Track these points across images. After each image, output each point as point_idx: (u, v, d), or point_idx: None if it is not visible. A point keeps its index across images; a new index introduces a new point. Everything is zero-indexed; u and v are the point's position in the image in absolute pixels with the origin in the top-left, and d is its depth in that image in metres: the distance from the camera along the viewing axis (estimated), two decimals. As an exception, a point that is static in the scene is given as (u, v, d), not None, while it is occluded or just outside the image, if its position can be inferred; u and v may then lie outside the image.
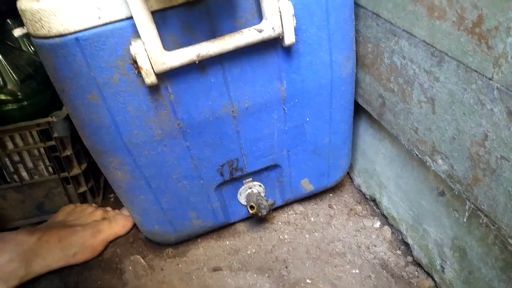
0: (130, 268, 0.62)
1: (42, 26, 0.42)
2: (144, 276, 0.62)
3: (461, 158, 0.43)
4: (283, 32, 0.47)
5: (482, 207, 0.42)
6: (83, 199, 0.71)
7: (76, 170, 0.68)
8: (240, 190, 0.65)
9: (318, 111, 0.59)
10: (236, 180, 0.63)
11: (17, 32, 0.66)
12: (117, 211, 0.70)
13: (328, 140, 0.64)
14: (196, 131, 0.54)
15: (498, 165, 0.38)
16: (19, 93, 0.61)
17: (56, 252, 0.60)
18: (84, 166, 0.69)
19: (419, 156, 0.51)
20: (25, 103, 0.62)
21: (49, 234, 0.61)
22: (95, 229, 0.64)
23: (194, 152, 0.56)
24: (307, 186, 0.68)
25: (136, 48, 0.43)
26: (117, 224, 0.66)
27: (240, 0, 0.46)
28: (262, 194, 0.66)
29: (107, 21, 0.43)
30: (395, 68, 0.51)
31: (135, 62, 0.44)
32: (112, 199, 0.76)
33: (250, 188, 0.65)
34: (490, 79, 0.37)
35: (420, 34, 0.45)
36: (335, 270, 0.58)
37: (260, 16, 0.47)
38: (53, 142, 0.64)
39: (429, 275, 0.58)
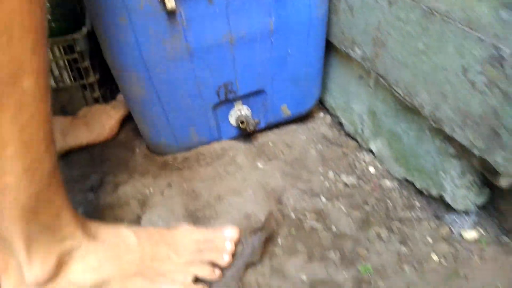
0: (141, 145, 0.83)
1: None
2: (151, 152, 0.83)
3: (368, 42, 0.67)
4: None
5: (380, 72, 0.66)
6: (96, 103, 0.91)
7: (92, 79, 0.87)
8: (231, 112, 0.78)
9: (298, 44, 0.72)
10: (229, 102, 0.76)
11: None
12: (113, 101, 0.90)
13: (304, 71, 0.77)
14: (201, 54, 0.66)
15: (386, 40, 0.62)
16: (49, 16, 0.80)
17: (84, 132, 0.80)
18: (97, 76, 0.88)
19: (345, 50, 0.74)
20: (53, 24, 0.81)
21: (77, 120, 0.81)
22: (109, 114, 0.84)
23: (197, 74, 0.68)
24: (286, 111, 0.82)
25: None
26: (121, 108, 0.87)
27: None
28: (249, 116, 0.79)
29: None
30: (330, -10, 0.74)
31: None
32: (118, 106, 0.96)
33: (240, 110, 0.78)
34: (380, -16, 0.60)
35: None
36: (290, 137, 0.82)
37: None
38: (75, 55, 0.83)
39: (354, 139, 0.83)
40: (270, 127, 0.85)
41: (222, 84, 0.72)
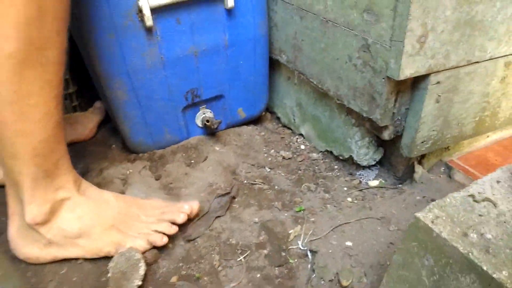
0: (116, 142, 1.01)
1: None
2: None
3: (289, 48, 0.92)
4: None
5: (301, 70, 0.91)
6: (75, 111, 1.08)
7: (71, 89, 1.05)
8: (197, 114, 0.94)
9: (247, 57, 0.90)
10: (195, 106, 0.92)
11: None
12: (91, 108, 1.07)
13: (253, 79, 0.95)
14: (172, 65, 0.81)
15: (301, 45, 0.87)
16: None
17: (69, 130, 0.97)
18: (76, 87, 1.06)
19: (277, 57, 0.98)
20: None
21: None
22: (89, 118, 1.01)
23: (169, 81, 0.83)
24: (242, 114, 0.99)
25: (142, 2, 0.72)
26: (98, 113, 1.05)
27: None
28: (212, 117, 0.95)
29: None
30: (261, 14, 0.98)
31: (140, 11, 0.72)
32: (92, 115, 1.14)
33: (204, 113, 0.94)
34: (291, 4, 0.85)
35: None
36: (239, 129, 1.04)
37: None
38: (58, 70, 1.01)
39: (289, 128, 1.06)
40: (229, 127, 1.04)
41: (189, 90, 0.88)
